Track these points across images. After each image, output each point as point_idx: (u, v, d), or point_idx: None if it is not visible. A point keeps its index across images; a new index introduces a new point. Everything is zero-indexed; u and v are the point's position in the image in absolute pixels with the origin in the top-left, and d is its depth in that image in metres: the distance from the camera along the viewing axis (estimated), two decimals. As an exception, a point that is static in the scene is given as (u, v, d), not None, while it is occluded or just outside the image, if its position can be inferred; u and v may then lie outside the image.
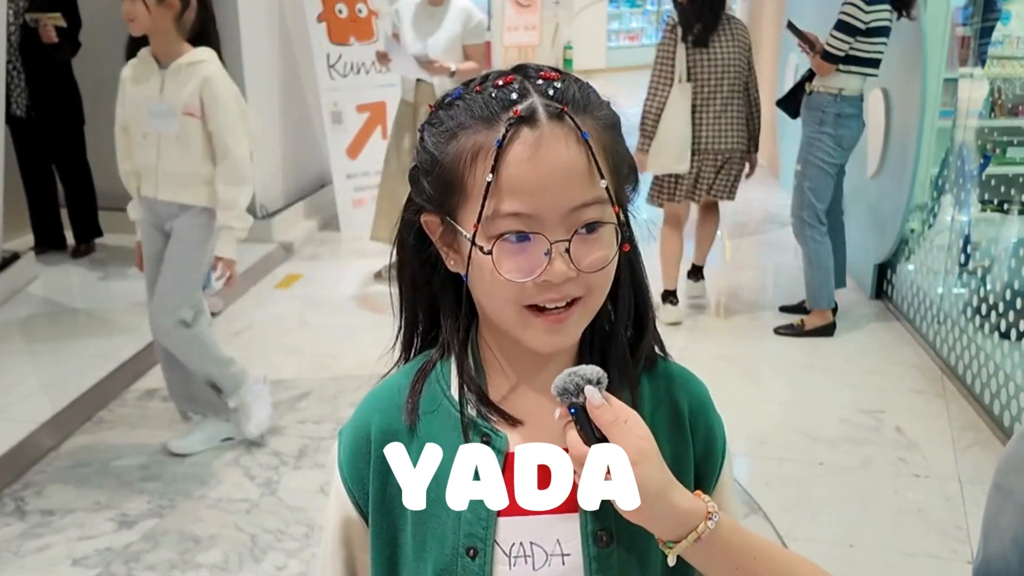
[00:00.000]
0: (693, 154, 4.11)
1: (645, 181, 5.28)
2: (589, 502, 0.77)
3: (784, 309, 4.34)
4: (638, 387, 0.86)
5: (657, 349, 0.91)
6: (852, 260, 4.44)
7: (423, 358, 0.90)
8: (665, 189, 4.26)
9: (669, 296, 4.31)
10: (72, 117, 4.90)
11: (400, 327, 0.91)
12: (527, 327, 0.79)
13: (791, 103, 4.20)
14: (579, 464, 0.76)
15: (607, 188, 0.76)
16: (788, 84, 6.39)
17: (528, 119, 0.74)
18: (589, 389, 0.76)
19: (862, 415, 3.41)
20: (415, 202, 0.84)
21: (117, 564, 2.60)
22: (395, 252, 0.88)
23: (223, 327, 4.26)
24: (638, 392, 0.86)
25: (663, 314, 4.23)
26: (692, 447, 0.88)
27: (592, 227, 0.77)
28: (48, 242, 5.07)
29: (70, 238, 5.13)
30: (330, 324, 4.33)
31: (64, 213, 5.11)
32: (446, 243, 0.82)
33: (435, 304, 0.89)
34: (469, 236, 0.77)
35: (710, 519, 0.76)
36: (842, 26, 3.77)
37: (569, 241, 0.75)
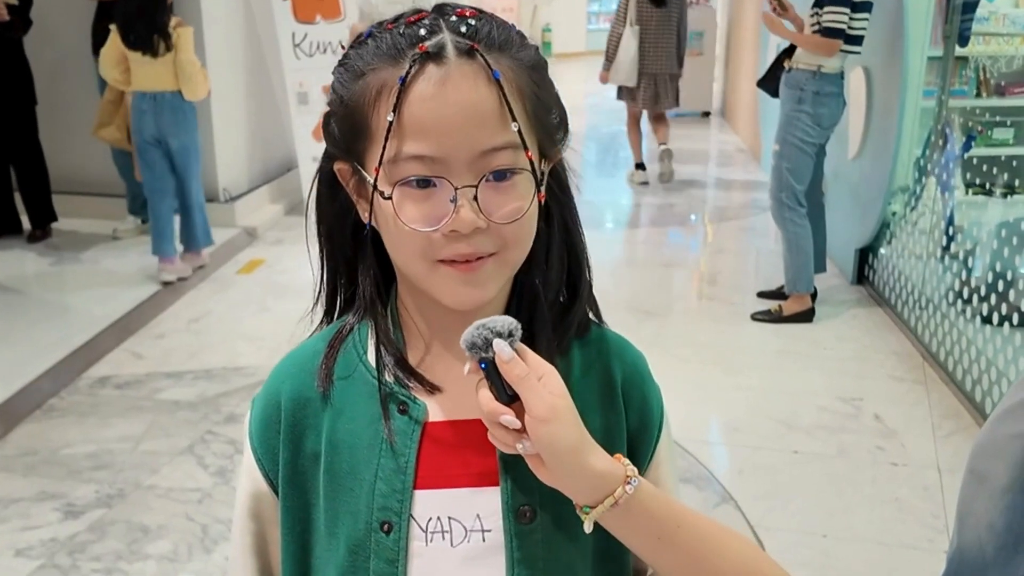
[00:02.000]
0: (640, 74, 6.25)
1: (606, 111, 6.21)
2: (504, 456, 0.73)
3: (762, 295, 4.24)
4: (568, 354, 0.80)
5: (592, 316, 0.85)
6: (833, 244, 4.35)
7: (340, 322, 0.84)
8: (626, 96, 6.43)
9: (639, 166, 6.58)
10: (24, 98, 4.74)
11: (320, 287, 0.85)
12: (440, 280, 0.73)
13: (770, 82, 4.10)
14: (490, 422, 0.71)
15: (519, 132, 0.71)
16: (769, 61, 6.33)
17: (435, 56, 0.69)
18: (498, 342, 0.70)
19: (840, 402, 3.32)
20: (327, 147, 0.79)
21: (61, 555, 2.49)
22: (311, 206, 0.82)
23: (182, 313, 4.14)
24: (568, 359, 0.80)
25: (636, 176, 6.48)
26: (625, 418, 0.82)
27: (503, 174, 0.71)
28: (2, 227, 4.92)
29: (26, 223, 4.98)
30: (291, 310, 4.14)
31: (19, 198, 4.96)
32: (358, 192, 0.77)
33: (354, 262, 0.82)
34: (371, 181, 0.72)
35: (628, 483, 0.71)
36: (843, 2, 3.65)
37: (476, 187, 0.70)
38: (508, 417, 0.69)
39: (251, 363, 3.62)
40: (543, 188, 0.75)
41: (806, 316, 4.00)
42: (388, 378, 0.79)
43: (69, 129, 4.99)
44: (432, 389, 0.78)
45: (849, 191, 4.49)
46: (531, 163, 0.72)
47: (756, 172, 6.66)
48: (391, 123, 0.69)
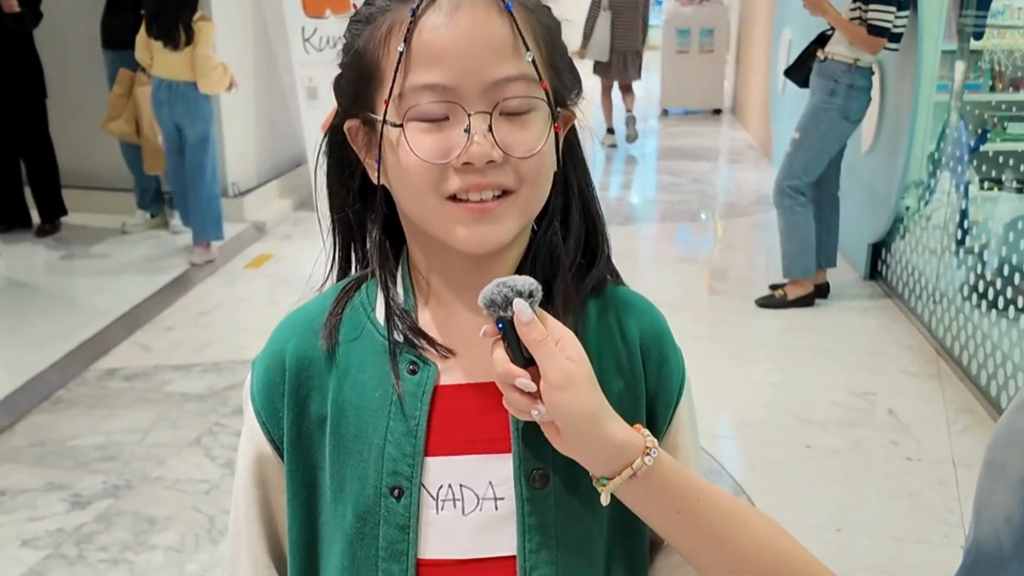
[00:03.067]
0: (612, 51, 7.36)
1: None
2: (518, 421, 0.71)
3: (774, 287, 4.20)
4: (583, 313, 0.77)
5: (611, 277, 0.82)
6: (846, 239, 4.31)
7: (347, 279, 0.81)
8: (601, 70, 7.48)
9: (610, 131, 7.63)
10: (34, 91, 4.73)
11: (333, 252, 0.82)
12: (450, 220, 0.70)
13: (799, 71, 4.03)
14: (504, 385, 0.68)
15: (534, 62, 0.69)
16: (781, 58, 6.30)
17: None
18: (518, 302, 0.67)
19: (853, 397, 3.28)
20: (339, 112, 0.76)
21: (68, 545, 2.49)
22: (322, 169, 0.80)
23: (190, 306, 4.13)
24: (584, 317, 0.77)
25: (606, 140, 7.51)
26: (644, 380, 0.78)
27: (518, 108, 0.69)
28: (12, 220, 4.92)
29: (35, 217, 4.98)
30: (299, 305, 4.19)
31: (28, 192, 4.96)
32: (367, 148, 0.75)
33: (364, 224, 0.80)
34: (381, 119, 0.69)
35: (648, 454, 0.68)
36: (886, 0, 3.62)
37: (491, 115, 0.68)
38: (523, 380, 0.67)
39: (259, 356, 3.61)
40: (559, 120, 0.73)
41: (807, 300, 3.98)
42: (397, 338, 0.75)
43: (79, 123, 4.99)
44: (444, 352, 0.75)
45: (862, 185, 4.45)
46: (546, 94, 0.70)
47: (767, 169, 6.62)
48: (401, 53, 0.68)
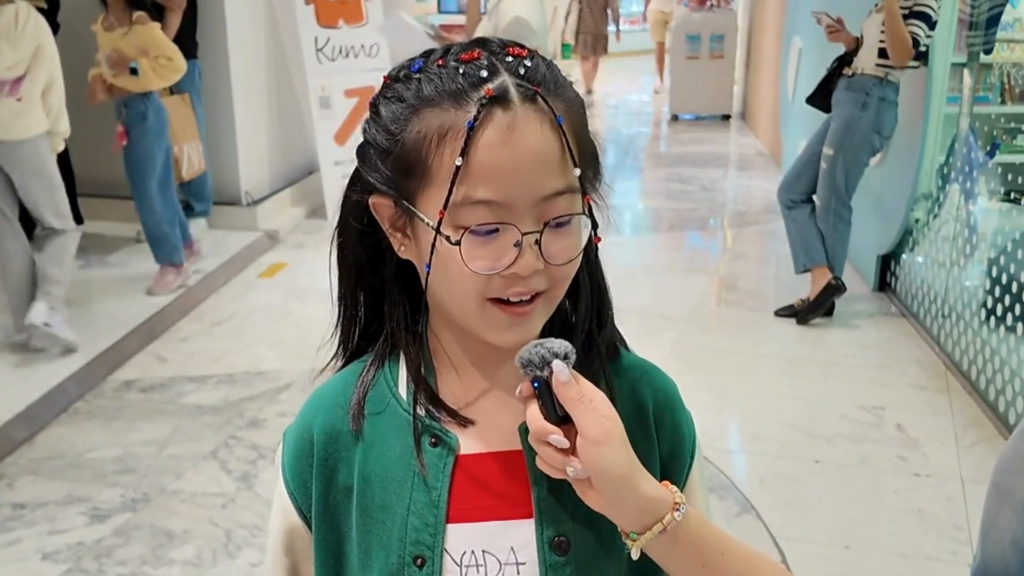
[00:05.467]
0: (577, 32, 10.20)
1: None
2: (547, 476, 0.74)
3: (779, 313, 4.18)
4: (600, 379, 0.80)
5: (618, 342, 0.87)
6: (855, 251, 4.32)
7: (368, 355, 0.84)
8: (579, 49, 10.25)
9: (589, 91, 10.13)
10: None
11: (339, 318, 0.85)
12: (489, 321, 0.74)
13: (821, 97, 4.06)
14: (538, 440, 0.72)
15: (580, 178, 0.73)
16: (791, 65, 6.31)
17: (500, 99, 0.69)
18: (557, 363, 0.71)
19: (862, 411, 3.30)
20: (362, 181, 0.78)
21: (88, 559, 2.53)
22: (336, 235, 0.82)
23: (205, 316, 4.18)
24: (600, 385, 0.79)
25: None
26: (657, 446, 0.82)
27: (563, 220, 0.72)
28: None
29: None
30: (313, 314, 4.21)
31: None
32: (397, 228, 0.77)
33: (379, 294, 0.83)
34: (433, 225, 0.71)
35: (677, 510, 0.71)
36: (923, 16, 3.63)
37: (540, 233, 0.71)
38: (557, 436, 0.70)
39: (273, 368, 3.65)
40: (596, 231, 0.76)
41: (831, 292, 3.94)
42: (419, 411, 0.79)
43: (94, 132, 5.03)
44: (464, 422, 0.79)
45: (872, 198, 4.46)
46: (589, 208, 0.74)
47: (776, 176, 6.60)
48: (458, 167, 0.69)
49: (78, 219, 5.02)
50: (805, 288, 4.11)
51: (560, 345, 0.72)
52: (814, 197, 4.06)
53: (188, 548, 2.57)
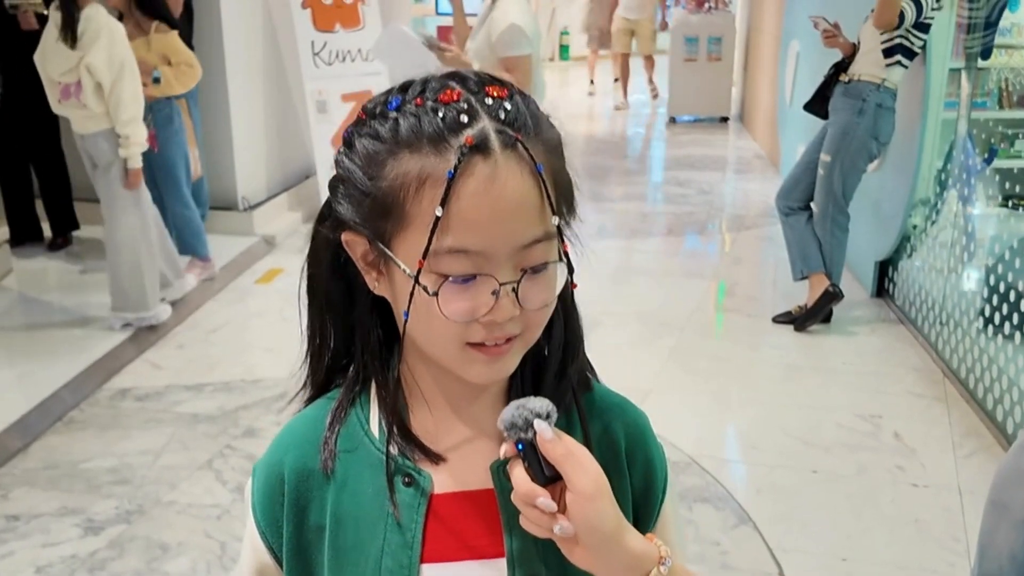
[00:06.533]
0: (588, 27, 10.77)
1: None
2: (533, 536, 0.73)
3: (777, 320, 4.18)
4: (572, 412, 0.81)
5: (589, 374, 0.86)
6: (852, 256, 4.32)
7: (337, 392, 0.83)
8: (589, 43, 10.67)
9: (591, 82, 10.91)
10: (48, 106, 4.76)
11: (307, 351, 0.84)
12: (466, 361, 0.74)
13: (819, 104, 4.05)
14: (525, 502, 0.71)
15: (558, 226, 0.72)
16: (788, 68, 6.30)
17: (481, 148, 0.68)
18: (539, 423, 0.71)
19: (859, 420, 3.29)
20: (333, 216, 0.76)
21: (82, 572, 2.52)
22: (306, 267, 0.82)
23: (200, 323, 4.16)
24: (570, 419, 0.81)
25: (590, 88, 10.92)
26: (630, 480, 0.83)
27: (540, 267, 0.72)
28: (24, 234, 4.95)
29: (47, 230, 5.01)
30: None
31: (40, 205, 4.99)
32: (371, 264, 0.76)
33: (349, 327, 0.82)
34: (411, 273, 0.71)
35: (663, 564, 0.72)
36: (916, 1, 3.64)
37: (518, 282, 0.71)
38: (545, 500, 0.70)
39: (269, 375, 3.64)
40: (574, 278, 0.76)
41: (829, 299, 3.93)
42: (392, 449, 0.78)
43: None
44: (437, 459, 0.79)
45: (869, 203, 4.45)
46: (566, 255, 0.74)
47: (774, 179, 6.60)
48: (438, 218, 0.68)
49: (74, 224, 5.03)
50: (803, 293, 4.11)
51: (540, 404, 0.72)
52: (812, 204, 4.06)
53: (183, 561, 2.55)
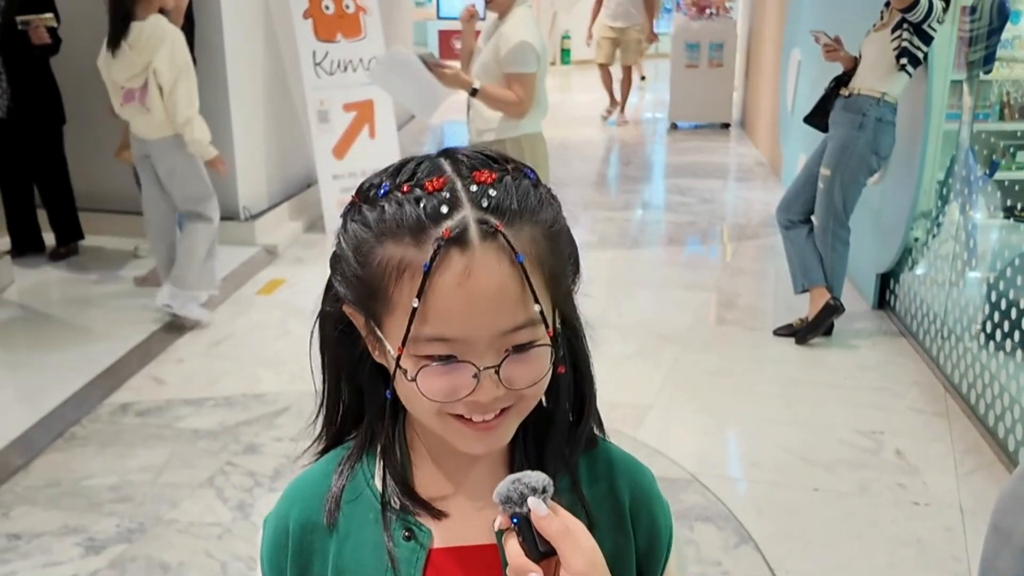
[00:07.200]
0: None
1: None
2: None
3: (778, 333, 4.17)
4: (577, 472, 0.82)
5: (596, 430, 0.86)
6: (854, 268, 4.31)
7: (344, 448, 0.86)
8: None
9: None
10: (53, 116, 4.77)
11: (321, 405, 0.86)
12: (455, 433, 0.76)
13: (819, 117, 4.04)
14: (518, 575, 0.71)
15: (542, 313, 0.72)
16: (790, 77, 6.29)
17: (458, 240, 0.69)
18: (532, 500, 0.71)
19: (860, 436, 3.29)
20: (334, 290, 0.79)
21: (83, 592, 2.51)
22: (316, 330, 0.84)
23: (201, 336, 4.15)
24: (578, 477, 0.82)
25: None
26: (634, 541, 0.83)
27: (524, 346, 0.72)
28: (26, 245, 4.95)
29: (49, 240, 5.01)
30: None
31: (42, 215, 4.98)
32: (371, 334, 0.78)
33: (359, 387, 0.84)
34: (394, 355, 0.73)
35: None
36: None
37: (499, 366, 0.71)
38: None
39: (271, 390, 3.63)
40: (562, 353, 0.77)
41: (830, 313, 3.92)
42: (394, 503, 0.81)
43: (93, 146, 5.02)
44: (438, 515, 0.80)
45: (871, 216, 4.45)
46: (553, 339, 0.73)
47: (776, 188, 6.60)
48: (415, 309, 0.69)
49: (78, 234, 5.03)
50: (805, 305, 4.10)
51: (538, 479, 0.72)
52: (812, 217, 4.06)
53: (183, 580, 2.56)
